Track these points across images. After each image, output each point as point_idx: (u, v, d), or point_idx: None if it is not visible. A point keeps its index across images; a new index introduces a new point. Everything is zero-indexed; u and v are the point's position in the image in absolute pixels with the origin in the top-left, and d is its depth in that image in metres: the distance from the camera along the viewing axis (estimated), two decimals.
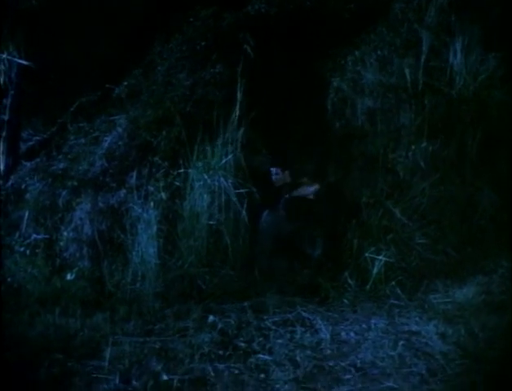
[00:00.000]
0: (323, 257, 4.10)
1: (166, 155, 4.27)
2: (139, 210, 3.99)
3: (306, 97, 4.69)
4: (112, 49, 5.06)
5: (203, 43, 4.94)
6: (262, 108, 4.30)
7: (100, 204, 4.16)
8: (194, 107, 4.52)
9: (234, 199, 4.05)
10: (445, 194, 4.21)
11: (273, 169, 4.35)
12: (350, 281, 3.89)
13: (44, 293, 3.75)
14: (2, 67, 4.74)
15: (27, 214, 4.21)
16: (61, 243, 4.07)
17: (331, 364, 3.04)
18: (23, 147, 4.92)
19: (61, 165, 4.51)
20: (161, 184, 4.09)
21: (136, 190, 4.09)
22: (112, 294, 3.78)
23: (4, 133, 4.77)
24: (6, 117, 4.75)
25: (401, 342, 3.20)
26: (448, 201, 4.19)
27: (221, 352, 3.13)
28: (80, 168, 4.40)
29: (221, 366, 3.00)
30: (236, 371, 2.97)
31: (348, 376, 2.93)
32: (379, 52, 4.80)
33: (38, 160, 4.70)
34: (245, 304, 3.67)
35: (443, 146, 4.35)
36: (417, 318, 3.48)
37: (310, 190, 4.33)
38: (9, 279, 3.88)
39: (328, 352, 3.16)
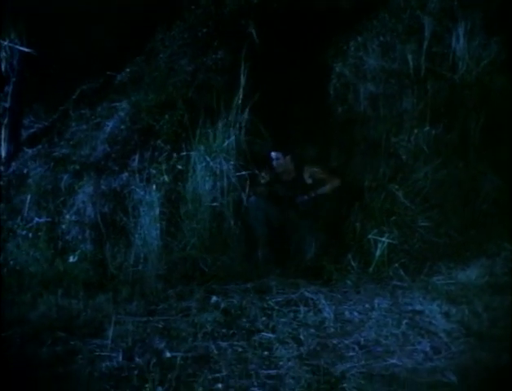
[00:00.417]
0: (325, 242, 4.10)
1: (169, 139, 4.26)
2: (142, 193, 4.00)
3: (308, 82, 4.68)
4: (115, 36, 5.04)
5: (204, 30, 4.94)
6: (264, 93, 4.28)
7: (103, 187, 4.15)
8: (196, 92, 4.51)
9: (235, 181, 4.04)
10: (448, 178, 4.18)
11: (274, 154, 4.24)
12: (353, 263, 3.89)
13: (46, 275, 3.77)
14: (4, 54, 4.73)
15: (29, 198, 4.21)
16: (63, 226, 4.06)
17: (334, 342, 3.02)
18: (24, 134, 4.89)
19: (63, 151, 4.51)
20: (164, 167, 4.08)
21: (138, 173, 4.08)
22: (115, 276, 3.78)
23: (6, 121, 4.74)
24: (7, 104, 4.73)
25: (405, 321, 3.19)
26: (451, 185, 4.17)
27: (224, 330, 3.13)
28: (82, 152, 4.41)
29: (224, 344, 2.99)
30: (240, 349, 2.96)
31: (352, 354, 2.92)
32: (381, 38, 4.79)
33: (40, 146, 4.69)
34: (248, 285, 3.66)
35: (445, 130, 4.33)
36: (421, 299, 3.45)
37: (330, 187, 4.23)
38: (11, 262, 3.88)
39: (332, 330, 3.15)
